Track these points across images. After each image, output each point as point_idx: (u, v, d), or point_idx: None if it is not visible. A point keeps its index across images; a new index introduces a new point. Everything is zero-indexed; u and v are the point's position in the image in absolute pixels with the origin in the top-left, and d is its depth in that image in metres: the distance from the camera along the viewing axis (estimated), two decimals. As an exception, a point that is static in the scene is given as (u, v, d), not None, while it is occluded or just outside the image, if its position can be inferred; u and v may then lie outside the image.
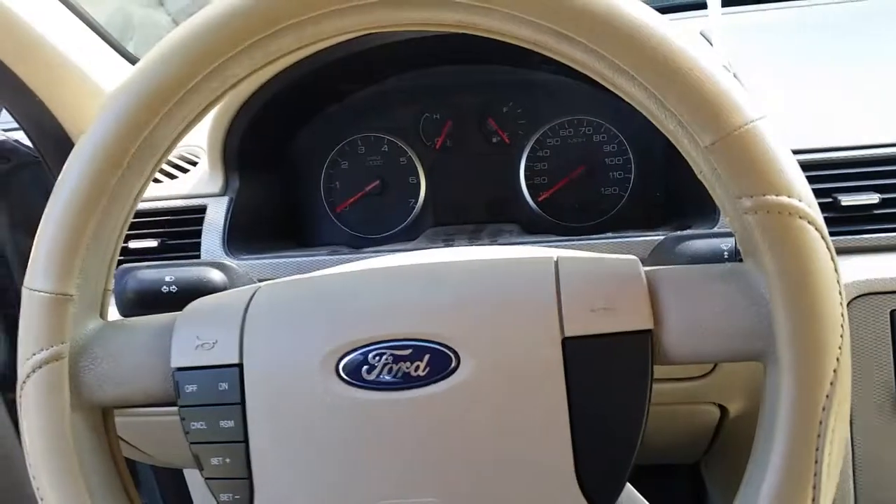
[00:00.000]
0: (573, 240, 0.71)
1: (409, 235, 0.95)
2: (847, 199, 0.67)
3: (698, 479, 1.10)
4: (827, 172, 0.68)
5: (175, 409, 0.46)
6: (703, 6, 0.84)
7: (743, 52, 0.82)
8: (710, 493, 1.05)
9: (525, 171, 0.94)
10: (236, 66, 0.43)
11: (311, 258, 0.74)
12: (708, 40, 0.85)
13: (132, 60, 0.94)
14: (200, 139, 0.85)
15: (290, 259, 0.74)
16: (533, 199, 0.94)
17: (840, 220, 0.66)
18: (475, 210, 0.95)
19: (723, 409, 0.72)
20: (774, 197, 0.39)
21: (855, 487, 0.64)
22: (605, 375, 0.42)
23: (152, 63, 0.43)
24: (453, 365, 0.43)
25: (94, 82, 0.84)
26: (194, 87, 0.43)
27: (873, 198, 0.67)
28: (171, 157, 0.88)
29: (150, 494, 1.13)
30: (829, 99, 0.77)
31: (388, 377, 0.43)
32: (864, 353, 0.64)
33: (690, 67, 0.39)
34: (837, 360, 0.39)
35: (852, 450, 0.65)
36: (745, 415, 0.72)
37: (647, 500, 0.54)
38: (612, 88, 0.43)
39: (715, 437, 0.79)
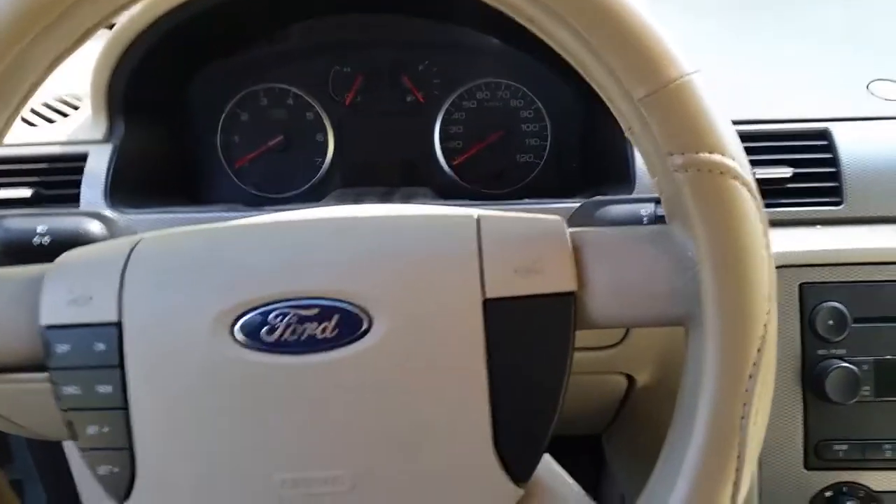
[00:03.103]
0: (489, 205, 0.69)
1: (314, 196, 0.90)
2: (760, 172, 0.67)
3: (598, 450, 1.11)
4: (742, 145, 0.68)
5: (46, 374, 0.40)
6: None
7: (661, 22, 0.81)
8: (610, 465, 1.07)
9: (440, 133, 0.91)
10: None
11: (204, 214, 0.68)
12: None
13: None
14: (82, 84, 0.77)
15: (181, 214, 0.68)
16: (447, 162, 0.91)
17: (753, 193, 0.66)
18: (386, 172, 0.91)
19: (630, 379, 0.72)
20: (707, 155, 0.37)
21: (759, 460, 0.65)
22: (527, 339, 0.40)
23: None
24: (364, 326, 0.39)
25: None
26: (70, 9, 0.38)
27: (786, 171, 0.67)
28: (50, 101, 0.80)
29: (25, 470, 1.04)
30: (745, 72, 0.78)
31: (291, 339, 0.39)
32: (771, 327, 0.65)
33: (628, 15, 0.37)
34: (765, 326, 0.37)
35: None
36: (651, 386, 0.72)
37: None
38: (541, 35, 0.40)
39: (620, 408, 0.79)
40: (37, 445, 1.01)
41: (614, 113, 0.41)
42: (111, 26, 0.72)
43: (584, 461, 1.15)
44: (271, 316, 0.39)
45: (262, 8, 0.83)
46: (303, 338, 0.39)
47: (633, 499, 0.42)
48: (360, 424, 0.39)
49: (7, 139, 0.74)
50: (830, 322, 0.63)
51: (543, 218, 0.42)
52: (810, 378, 0.63)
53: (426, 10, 0.86)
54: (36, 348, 0.40)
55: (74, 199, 0.71)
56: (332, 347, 0.39)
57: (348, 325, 0.39)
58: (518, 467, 0.40)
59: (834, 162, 0.69)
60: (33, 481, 1.03)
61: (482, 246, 0.40)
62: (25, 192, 0.70)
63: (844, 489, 0.65)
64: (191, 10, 0.73)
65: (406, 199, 0.81)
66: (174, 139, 0.87)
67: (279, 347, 0.39)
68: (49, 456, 1.02)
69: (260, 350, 0.39)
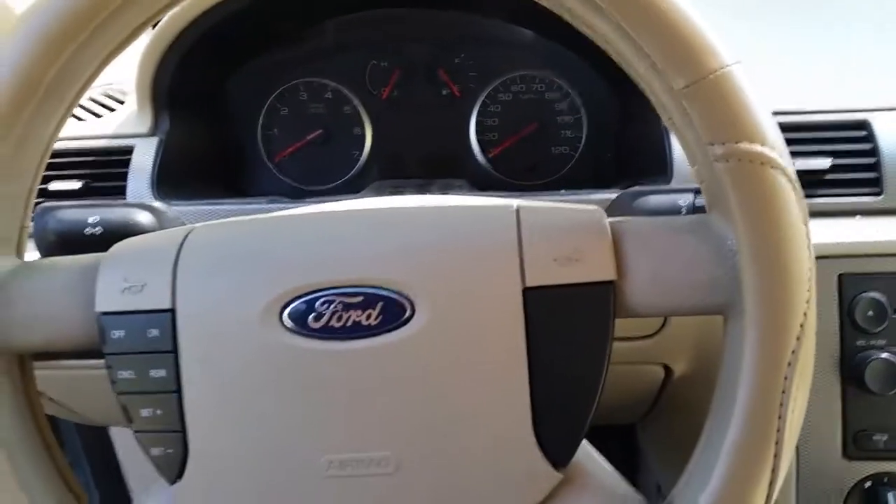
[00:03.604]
0: (525, 196, 0.69)
1: (352, 188, 0.91)
2: (799, 164, 0.67)
3: (633, 439, 1.11)
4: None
5: (101, 361, 0.41)
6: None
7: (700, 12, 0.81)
8: (645, 454, 1.07)
9: (476, 126, 0.91)
10: None
11: (247, 206, 0.70)
12: None
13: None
14: (128, 77, 0.79)
15: (225, 206, 0.70)
16: (483, 154, 0.91)
17: (792, 184, 0.66)
18: (422, 164, 0.92)
19: (668, 369, 0.72)
20: (748, 144, 0.37)
21: (797, 450, 0.64)
22: (566, 328, 0.40)
23: None
24: (407, 314, 0.40)
25: (4, 4, 0.77)
26: (118, 10, 0.39)
27: (825, 162, 0.67)
28: (96, 95, 0.82)
29: (74, 454, 1.07)
30: (782, 63, 0.77)
31: (336, 325, 0.40)
32: (810, 318, 0.64)
33: (668, 5, 0.37)
34: (805, 314, 0.38)
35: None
36: (688, 376, 0.72)
37: None
38: (579, 26, 0.41)
39: (657, 397, 0.79)
40: (86, 431, 1.04)
41: (654, 104, 0.41)
42: (154, 24, 0.74)
43: (617, 450, 1.15)
44: (318, 303, 0.40)
45: (299, 5, 0.84)
46: (348, 324, 0.40)
47: (669, 487, 0.42)
48: (402, 408, 0.40)
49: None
50: (870, 313, 0.62)
51: (582, 208, 0.43)
52: (849, 369, 0.63)
53: (461, 3, 0.86)
54: (92, 334, 0.42)
55: (121, 192, 0.73)
56: (375, 334, 0.40)
57: (391, 312, 0.40)
58: (557, 452, 0.40)
59: (874, 152, 0.68)
60: (81, 466, 1.05)
61: (522, 235, 0.41)
62: (76, 185, 0.73)
63: (885, 479, 0.64)
64: (230, 8, 0.75)
65: (442, 192, 0.81)
66: (216, 133, 0.89)
67: (325, 333, 0.40)
68: (97, 441, 1.05)
69: (307, 336, 0.40)
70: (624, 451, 1.13)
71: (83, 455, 1.04)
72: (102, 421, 0.88)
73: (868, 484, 0.65)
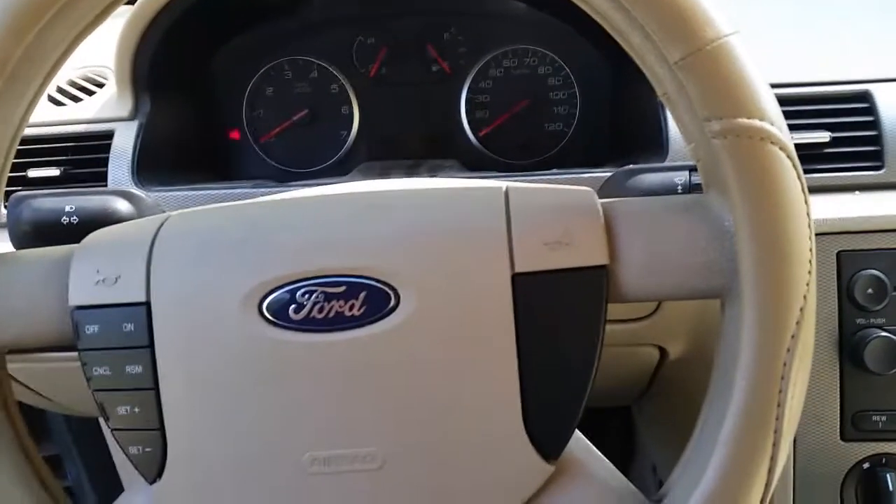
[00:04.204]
0: (516, 177, 0.68)
1: (340, 170, 0.89)
2: (798, 137, 0.65)
3: (628, 420, 1.11)
4: (779, 109, 0.66)
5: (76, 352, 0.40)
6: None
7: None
8: (641, 435, 1.06)
9: (466, 103, 0.89)
10: None
11: (231, 191, 0.68)
12: None
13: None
14: (108, 59, 0.76)
15: (209, 192, 0.68)
16: (474, 133, 0.89)
17: (790, 159, 0.65)
18: (412, 144, 0.90)
19: (663, 351, 0.71)
20: (746, 120, 0.36)
21: (796, 433, 0.63)
22: (557, 315, 0.39)
23: None
24: (392, 303, 0.38)
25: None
26: None
27: (824, 136, 0.65)
28: (76, 78, 0.80)
29: (63, 445, 1.06)
30: (780, 33, 0.75)
31: (318, 316, 0.38)
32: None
33: None
34: (805, 297, 0.36)
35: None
36: (684, 357, 0.71)
37: None
38: None
39: (652, 379, 0.78)
40: (74, 421, 1.03)
41: (649, 77, 0.39)
42: (132, 1, 0.72)
43: (613, 430, 1.14)
44: (298, 294, 0.38)
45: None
46: (330, 315, 0.38)
47: (665, 469, 0.41)
48: (388, 402, 0.39)
49: (36, 118, 0.75)
50: (870, 290, 0.61)
51: (573, 189, 0.41)
52: (848, 348, 0.62)
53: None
54: (66, 329, 0.40)
55: (103, 178, 0.71)
56: (359, 325, 0.38)
57: (375, 302, 0.38)
58: (548, 444, 0.39)
59: (875, 125, 0.66)
60: (71, 457, 1.04)
61: (511, 219, 0.39)
62: (55, 172, 0.71)
63: (884, 460, 0.63)
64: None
65: (433, 172, 0.80)
66: (200, 115, 0.87)
67: (307, 325, 0.38)
68: (87, 431, 1.04)
69: (288, 328, 0.38)
70: (620, 432, 1.13)
71: (73, 448, 1.03)
72: (87, 412, 0.87)
73: (866, 465, 0.64)
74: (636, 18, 0.36)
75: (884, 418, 0.62)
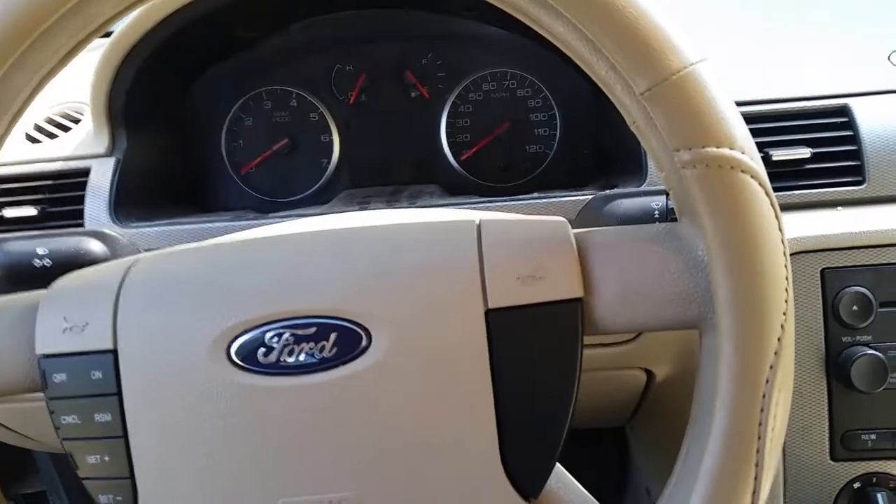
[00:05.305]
0: (497, 201, 0.67)
1: (321, 198, 0.88)
2: (778, 154, 0.65)
3: (623, 441, 1.10)
4: (757, 126, 0.66)
5: None
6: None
7: (670, 2, 0.79)
8: (635, 455, 1.05)
9: (446, 128, 0.89)
10: (102, 3, 0.37)
11: (210, 224, 0.67)
12: None
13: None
14: (85, 94, 0.76)
15: (186, 226, 0.67)
16: (455, 158, 0.89)
17: (771, 176, 0.64)
18: (393, 170, 0.90)
19: (649, 373, 0.70)
20: (715, 149, 0.35)
21: (784, 453, 0.63)
22: (533, 350, 0.38)
23: None
24: (364, 344, 0.38)
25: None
26: (51, 28, 0.37)
27: (804, 152, 0.65)
28: (53, 115, 0.79)
29: (50, 481, 1.04)
30: (760, 51, 0.75)
31: (288, 360, 0.38)
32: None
33: (626, 3, 0.35)
34: (782, 327, 0.35)
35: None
36: (673, 379, 0.70)
37: (572, 464, 0.51)
38: (538, 28, 0.38)
39: (641, 400, 0.77)
40: (59, 458, 1.02)
41: (618, 107, 0.39)
42: (108, 34, 0.71)
43: (607, 451, 1.13)
44: (267, 337, 0.38)
45: (259, 9, 0.81)
46: (300, 358, 0.38)
47: (658, 493, 0.40)
48: (361, 445, 0.38)
49: (11, 157, 0.74)
50: (855, 308, 0.61)
51: (546, 221, 0.41)
52: (835, 367, 0.61)
53: (425, 1, 0.84)
54: (35, 377, 0.40)
55: (80, 215, 0.70)
56: (330, 367, 0.38)
57: (346, 342, 0.38)
58: (527, 483, 0.38)
59: (854, 139, 0.66)
60: (57, 493, 1.03)
61: (483, 254, 0.39)
62: (31, 211, 0.70)
63: (874, 480, 0.63)
64: (186, 16, 0.72)
65: (413, 199, 0.79)
66: (179, 148, 0.86)
67: (276, 369, 0.38)
68: (72, 468, 1.03)
69: (257, 372, 0.38)
70: (615, 453, 1.12)
71: (59, 484, 1.01)
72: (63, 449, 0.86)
73: (857, 485, 0.63)
74: (600, 49, 0.36)
75: (873, 437, 0.62)
